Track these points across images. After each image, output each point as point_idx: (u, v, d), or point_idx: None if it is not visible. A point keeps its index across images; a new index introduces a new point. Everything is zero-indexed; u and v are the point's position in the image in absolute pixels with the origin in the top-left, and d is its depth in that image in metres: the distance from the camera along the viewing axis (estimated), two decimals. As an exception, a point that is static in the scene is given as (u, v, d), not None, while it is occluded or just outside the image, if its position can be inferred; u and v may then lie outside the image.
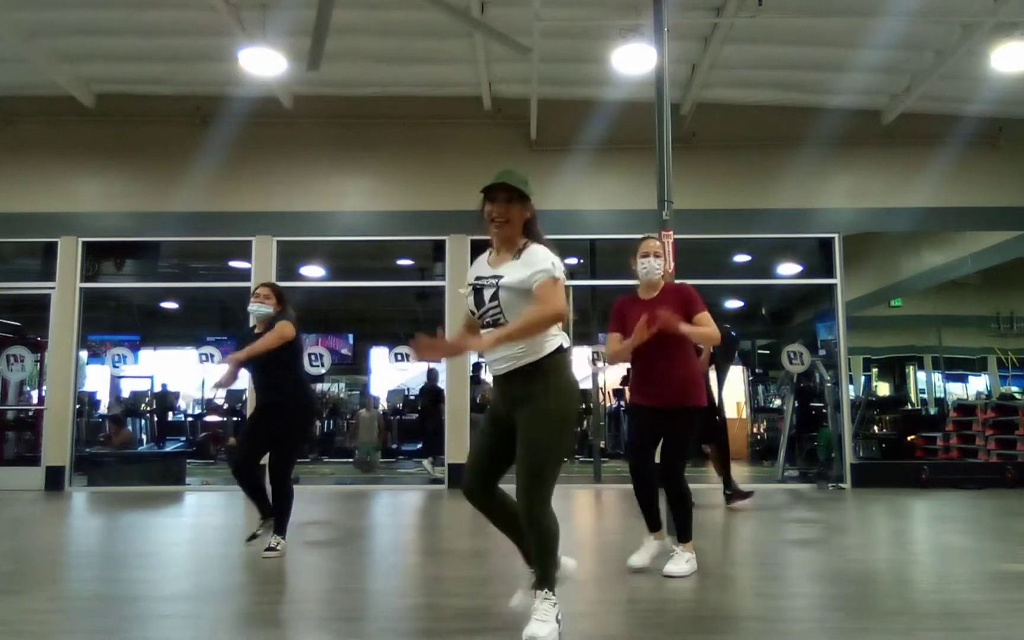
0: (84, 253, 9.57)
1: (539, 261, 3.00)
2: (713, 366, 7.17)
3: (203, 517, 7.24)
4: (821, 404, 10.52)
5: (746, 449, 13.09)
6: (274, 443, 4.80)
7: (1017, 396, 11.30)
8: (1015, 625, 3.24)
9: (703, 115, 9.39)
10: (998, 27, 7.51)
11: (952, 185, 9.49)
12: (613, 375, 11.17)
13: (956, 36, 8.02)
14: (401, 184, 9.59)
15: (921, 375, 13.49)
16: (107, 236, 9.71)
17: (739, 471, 7.34)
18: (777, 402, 13.30)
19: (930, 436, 10.85)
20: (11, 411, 10.34)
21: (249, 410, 6.78)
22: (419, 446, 12.34)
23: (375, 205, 9.56)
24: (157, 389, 14.46)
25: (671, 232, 5.64)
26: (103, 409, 12.70)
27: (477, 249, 3.29)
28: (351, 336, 14.88)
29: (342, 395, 15.50)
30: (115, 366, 11.24)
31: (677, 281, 4.89)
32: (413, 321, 12.52)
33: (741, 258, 10.75)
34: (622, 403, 12.24)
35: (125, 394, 14.03)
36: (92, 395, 12.50)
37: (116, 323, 13.41)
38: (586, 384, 10.87)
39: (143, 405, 14.06)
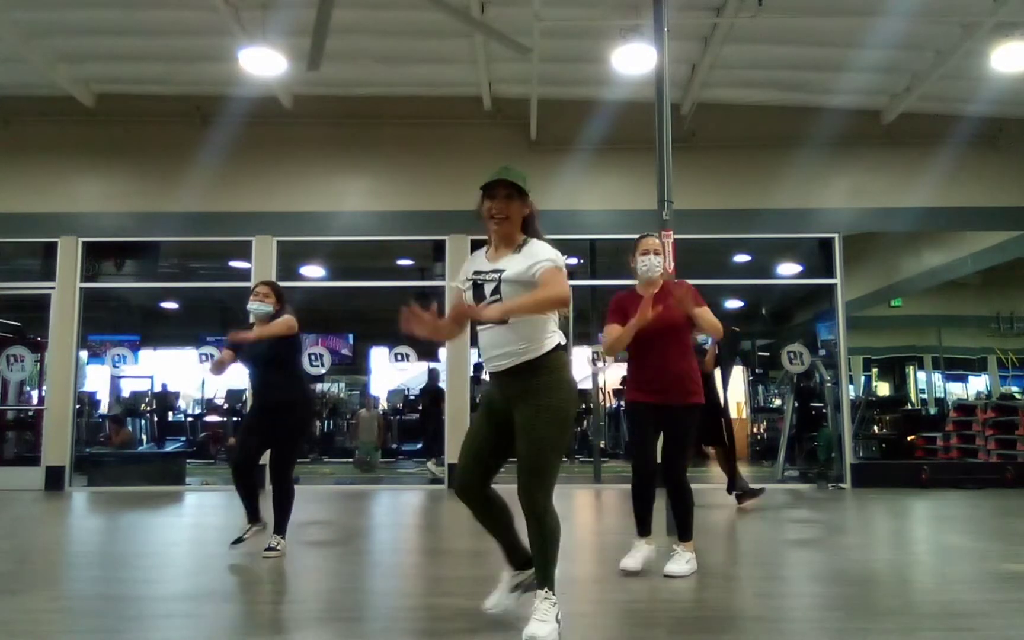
0: (84, 253, 9.57)
1: (541, 253, 3.02)
2: (718, 366, 7.17)
3: (203, 517, 7.24)
4: (821, 404, 10.52)
5: (746, 449, 13.09)
6: (275, 442, 4.80)
7: (1017, 396, 11.30)
8: (1015, 625, 3.24)
9: (703, 115, 9.39)
10: (998, 27, 7.51)
11: (952, 185, 9.49)
12: (613, 375, 11.16)
13: (956, 36, 8.02)
14: (401, 184, 9.59)
15: (921, 375, 13.49)
16: (107, 236, 9.72)
17: (740, 471, 7.32)
18: (777, 402, 13.30)
19: (930, 436, 10.86)
20: (11, 411, 10.34)
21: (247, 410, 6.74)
22: (419, 446, 12.35)
23: (375, 205, 9.56)
24: (157, 389, 14.46)
25: (671, 232, 5.64)
26: (103, 409, 12.69)
27: (478, 249, 3.27)
28: (351, 336, 14.87)
29: (342, 395, 15.51)
30: (115, 366, 11.23)
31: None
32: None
33: (741, 258, 10.75)
34: (622, 403, 12.24)
35: (125, 394, 14.02)
36: (92, 395, 12.49)
37: (116, 323, 13.40)
38: (586, 384, 10.87)
39: (143, 405, 14.06)
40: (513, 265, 3.02)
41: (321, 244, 9.94)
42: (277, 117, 9.54)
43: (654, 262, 4.20)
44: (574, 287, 10.23)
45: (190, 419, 14.40)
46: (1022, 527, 6.41)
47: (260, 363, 4.82)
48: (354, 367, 15.61)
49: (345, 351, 14.83)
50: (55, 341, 9.45)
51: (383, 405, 14.27)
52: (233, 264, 10.45)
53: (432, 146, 9.53)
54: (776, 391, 13.72)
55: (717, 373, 7.24)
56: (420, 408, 12.05)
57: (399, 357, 10.12)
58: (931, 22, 7.83)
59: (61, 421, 9.29)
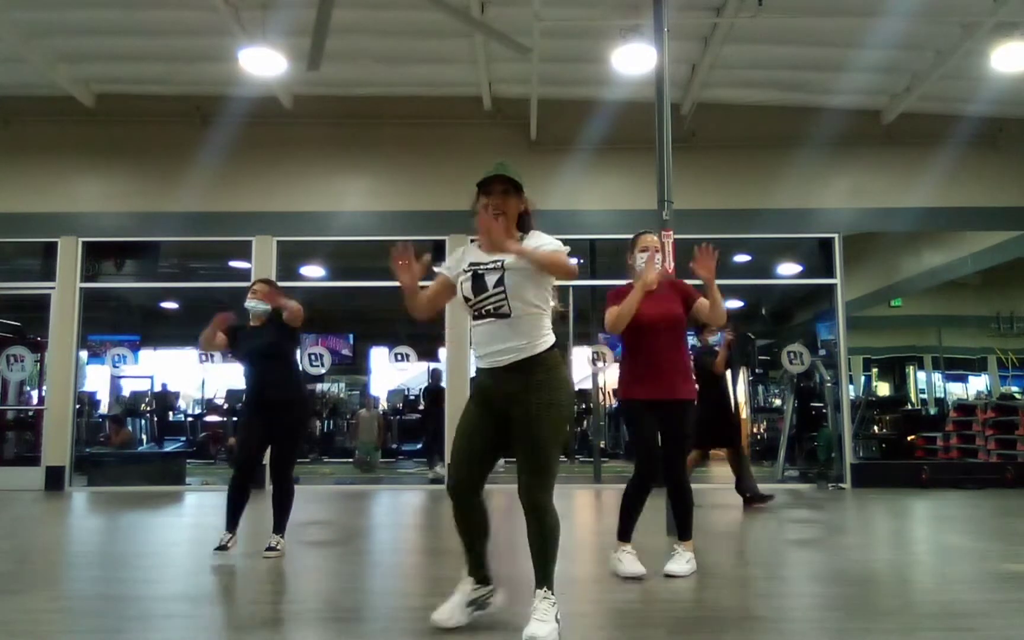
0: (84, 253, 9.57)
1: (543, 238, 3.04)
2: (728, 368, 7.16)
3: (203, 517, 7.23)
4: (821, 404, 10.52)
5: (747, 449, 13.07)
6: (275, 441, 4.78)
7: (1017, 396, 11.30)
8: (1015, 625, 3.24)
9: (703, 115, 9.39)
10: (998, 27, 7.51)
11: (952, 185, 9.50)
12: (613, 375, 11.16)
13: (956, 36, 8.02)
14: (401, 184, 9.59)
15: (921, 375, 13.49)
16: (107, 236, 9.72)
17: (752, 472, 7.32)
18: (777, 402, 13.30)
19: (930, 436, 10.86)
20: (11, 411, 10.34)
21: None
22: (419, 446, 12.35)
23: (375, 205, 9.56)
24: (157, 389, 14.47)
25: (671, 232, 5.63)
26: (103, 409, 12.70)
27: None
28: (351, 336, 14.87)
29: (342, 395, 15.51)
30: (115, 366, 11.24)
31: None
32: (413, 321, 12.51)
33: (741, 258, 10.75)
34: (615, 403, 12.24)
35: (125, 394, 14.03)
36: (92, 395, 12.49)
37: (116, 323, 13.40)
38: (586, 384, 10.87)
39: (143, 405, 14.06)
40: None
41: (321, 244, 9.94)
42: (277, 117, 9.54)
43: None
44: (574, 287, 10.21)
45: (190, 419, 14.40)
46: (1022, 527, 6.41)
47: (258, 359, 4.77)
48: (354, 367, 15.61)
49: (345, 351, 14.83)
50: (55, 341, 9.45)
51: (383, 405, 14.27)
52: (233, 264, 10.44)
53: (432, 146, 9.53)
54: (778, 381, 13.71)
55: (727, 375, 7.25)
56: (422, 408, 12.04)
57: (399, 357, 10.12)
58: (931, 22, 7.83)
59: (61, 421, 9.29)
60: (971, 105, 9.18)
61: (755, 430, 13.66)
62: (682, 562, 4.09)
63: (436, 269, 3.22)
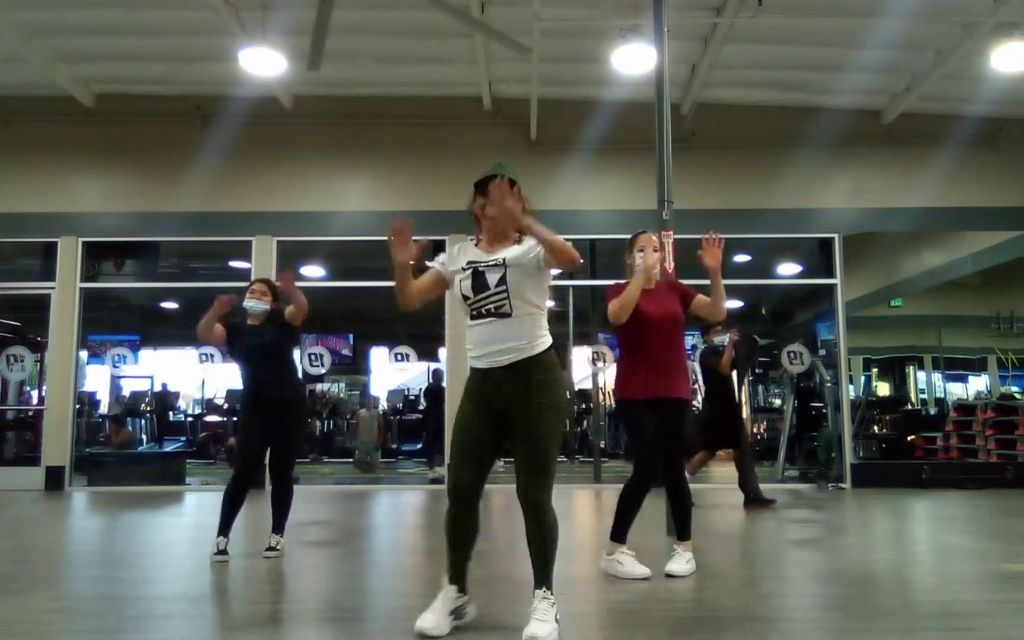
0: (84, 253, 9.57)
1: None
2: (734, 369, 7.14)
3: (203, 517, 7.22)
4: (821, 404, 10.53)
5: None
6: (275, 441, 4.76)
7: (1017, 396, 11.30)
8: (1015, 625, 3.24)
9: (703, 115, 9.39)
10: (998, 27, 7.51)
11: (952, 185, 9.50)
12: (613, 375, 11.17)
13: (956, 36, 8.02)
14: (401, 184, 9.59)
15: (921, 375, 13.50)
16: (107, 236, 9.72)
17: (757, 475, 7.31)
18: (777, 402, 13.30)
19: (930, 436, 10.86)
20: (11, 411, 10.34)
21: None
22: (419, 446, 12.35)
23: (375, 205, 9.55)
24: (157, 389, 14.47)
25: (671, 232, 5.63)
26: (103, 409, 12.70)
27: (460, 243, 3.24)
28: (351, 336, 14.88)
29: (342, 395, 15.51)
30: (115, 366, 11.25)
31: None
32: (413, 321, 12.51)
33: (741, 258, 10.75)
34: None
35: (125, 394, 14.03)
36: (92, 395, 12.50)
37: (116, 323, 13.41)
38: (586, 384, 10.87)
39: (143, 405, 14.07)
40: (514, 251, 3.02)
41: (321, 244, 9.94)
42: (277, 117, 9.54)
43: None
44: (574, 287, 10.16)
45: (190, 419, 14.41)
46: (1022, 527, 6.41)
47: (258, 356, 4.74)
48: (354, 367, 15.62)
49: (345, 351, 14.84)
50: (55, 341, 9.45)
51: (383, 405, 14.27)
52: (233, 264, 10.45)
53: (432, 146, 9.53)
54: (778, 379, 13.72)
55: (732, 375, 7.23)
56: (424, 409, 12.04)
57: (399, 357, 10.12)
58: (931, 22, 7.83)
59: (61, 421, 9.29)
60: (971, 105, 9.18)
61: (755, 430, 13.66)
62: (682, 562, 4.09)
63: (429, 263, 3.19)
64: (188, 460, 10.56)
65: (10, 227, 9.55)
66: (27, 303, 10.26)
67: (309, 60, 7.01)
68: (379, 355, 15.10)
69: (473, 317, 3.02)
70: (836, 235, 9.58)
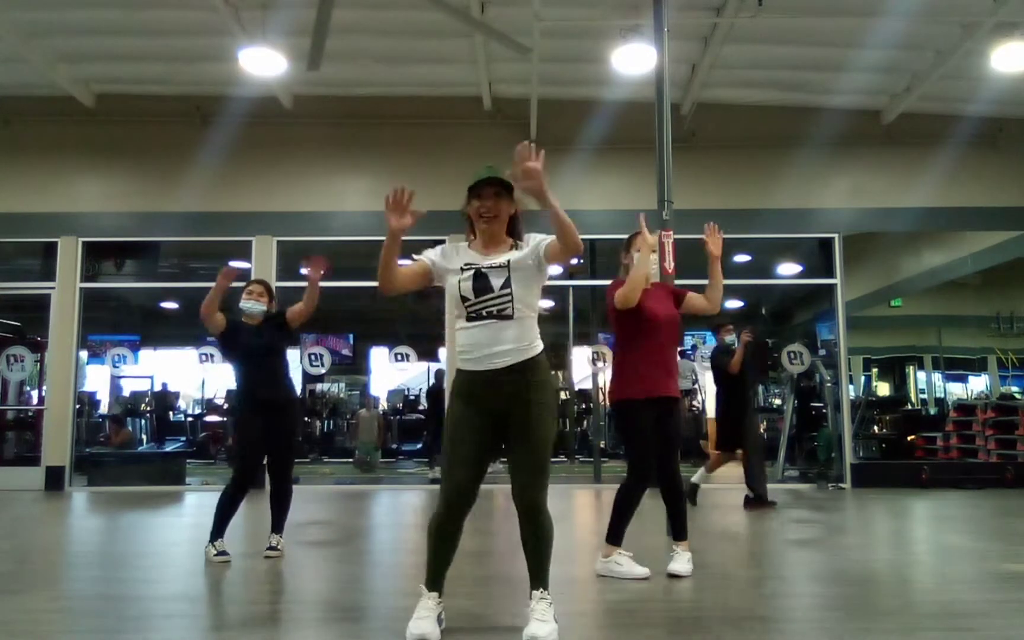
0: (84, 253, 9.57)
1: (542, 235, 3.05)
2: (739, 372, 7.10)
3: (203, 517, 7.21)
4: (821, 404, 10.53)
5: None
6: (277, 442, 4.74)
7: (1017, 396, 11.31)
8: (1015, 625, 3.24)
9: (703, 115, 9.39)
10: (998, 27, 7.51)
11: (952, 185, 9.50)
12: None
13: (956, 36, 8.02)
14: (401, 184, 9.56)
15: (921, 375, 13.50)
16: (107, 236, 9.72)
17: (739, 470, 7.31)
18: (777, 402, 13.31)
19: (930, 436, 10.87)
20: (11, 411, 10.34)
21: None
22: (419, 446, 12.35)
23: (375, 205, 9.41)
24: (157, 389, 14.47)
25: (671, 232, 5.63)
26: (103, 409, 12.70)
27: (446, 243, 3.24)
28: (351, 336, 14.88)
29: (342, 395, 15.51)
30: (115, 366, 11.24)
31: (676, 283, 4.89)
32: (413, 321, 12.52)
33: (741, 258, 10.75)
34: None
35: (125, 394, 14.04)
36: (92, 395, 12.50)
37: (116, 323, 13.42)
38: (586, 384, 10.86)
39: (143, 405, 14.07)
40: (516, 254, 3.02)
41: (321, 244, 9.92)
42: (277, 117, 9.54)
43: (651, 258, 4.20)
44: (574, 287, 10.15)
45: (190, 419, 14.41)
46: (1022, 527, 6.41)
47: (258, 356, 4.71)
48: (354, 367, 15.61)
49: (345, 351, 14.84)
50: (55, 341, 9.45)
51: (383, 405, 14.27)
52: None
53: (432, 146, 9.53)
54: (776, 391, 13.74)
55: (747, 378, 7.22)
56: (425, 410, 12.04)
57: (399, 357, 10.12)
58: (931, 22, 7.83)
59: (61, 421, 9.29)
60: (971, 105, 9.18)
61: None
62: (684, 561, 4.09)
63: (416, 256, 3.17)
64: (188, 460, 10.56)
65: (10, 227, 9.55)
66: (27, 303, 10.26)
67: (309, 60, 7.01)
68: (379, 355, 15.10)
69: (470, 318, 2.99)
70: (836, 235, 9.58)
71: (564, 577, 3.99)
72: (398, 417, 14.12)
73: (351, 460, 11.94)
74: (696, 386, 13.19)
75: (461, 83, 9.32)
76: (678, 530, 4.20)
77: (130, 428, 12.30)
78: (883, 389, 13.34)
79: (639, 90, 8.18)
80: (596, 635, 3.22)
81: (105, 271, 10.03)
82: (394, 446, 13.36)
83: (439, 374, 11.23)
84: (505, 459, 3.04)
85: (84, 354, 10.76)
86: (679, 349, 4.82)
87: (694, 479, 7.05)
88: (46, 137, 9.65)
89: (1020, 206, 9.58)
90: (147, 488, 9.00)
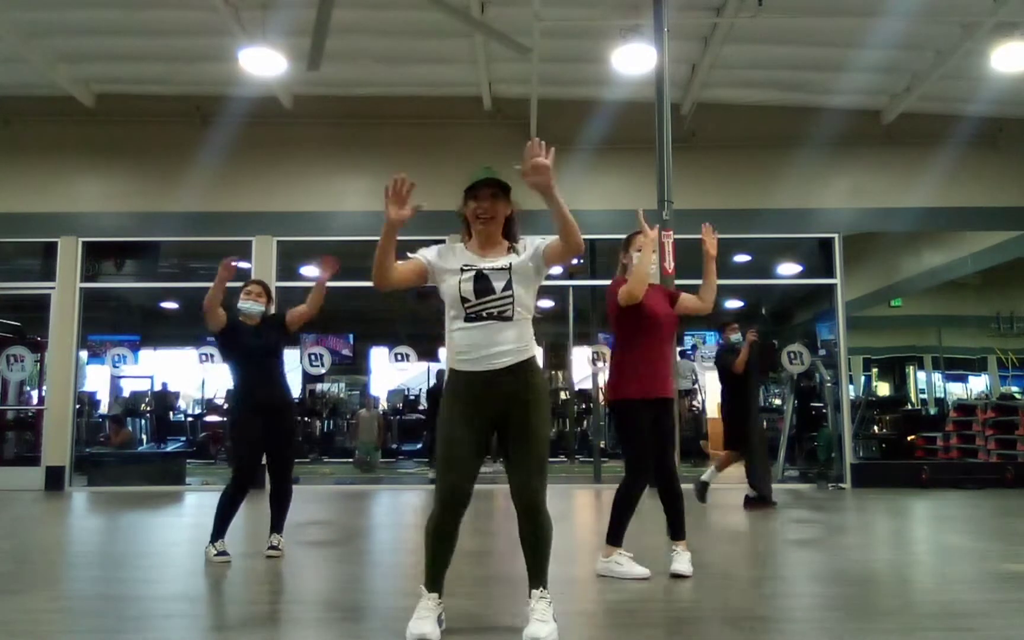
0: (84, 253, 9.57)
1: (535, 239, 3.08)
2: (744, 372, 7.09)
3: (203, 517, 7.21)
4: (821, 404, 10.53)
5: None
6: (279, 443, 4.74)
7: (1017, 396, 11.31)
8: (1015, 625, 3.24)
9: (703, 115, 9.39)
10: (998, 27, 7.52)
11: (952, 185, 9.50)
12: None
13: (956, 36, 8.02)
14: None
15: (921, 375, 13.50)
16: (107, 236, 9.73)
17: (740, 470, 7.31)
18: (777, 402, 13.31)
19: (930, 436, 10.86)
20: (11, 411, 10.34)
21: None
22: (419, 446, 12.34)
23: (375, 205, 9.39)
24: (157, 389, 14.47)
25: (671, 232, 5.64)
26: (103, 409, 12.70)
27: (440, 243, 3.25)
28: (351, 336, 14.87)
29: (342, 395, 15.50)
30: (115, 366, 11.24)
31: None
32: (413, 321, 12.52)
33: (741, 258, 10.75)
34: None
35: (125, 394, 14.03)
36: (92, 395, 12.50)
37: (116, 323, 13.41)
38: (586, 384, 10.85)
39: (143, 405, 14.07)
40: (516, 257, 3.05)
41: (321, 244, 9.91)
42: (277, 117, 9.54)
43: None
44: (574, 287, 10.16)
45: (190, 419, 14.41)
46: (1022, 527, 6.41)
47: (257, 356, 4.71)
48: (354, 367, 15.60)
49: (345, 351, 14.83)
50: (55, 341, 9.45)
51: (383, 405, 14.26)
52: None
53: (432, 146, 9.52)
54: (776, 391, 13.74)
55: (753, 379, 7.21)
56: (425, 408, 12.03)
57: (399, 357, 10.12)
58: (931, 22, 7.83)
59: (61, 421, 9.29)
60: (971, 105, 9.18)
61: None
62: (685, 561, 4.09)
63: (411, 254, 3.16)
64: (188, 460, 10.55)
65: (10, 227, 9.55)
66: (27, 303, 10.26)
67: (309, 60, 7.02)
68: (379, 355, 15.09)
69: (469, 319, 2.99)
70: (836, 235, 9.58)
71: (564, 577, 3.99)
72: (398, 417, 14.12)
73: (351, 460, 11.94)
74: (696, 386, 13.19)
75: (461, 83, 9.32)
76: (676, 530, 4.20)
77: (130, 428, 12.29)
78: (883, 389, 13.33)
79: (639, 90, 8.18)
80: (596, 635, 3.22)
81: (105, 271, 10.04)
82: (394, 446, 13.35)
83: (439, 374, 11.23)
84: (502, 459, 3.05)
85: (84, 354, 10.76)
86: (679, 349, 4.84)
87: (704, 477, 7.07)
88: (46, 137, 9.65)
89: (1020, 206, 9.58)
90: (147, 488, 9.00)
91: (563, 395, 13.01)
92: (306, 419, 13.87)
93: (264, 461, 4.79)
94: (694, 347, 13.31)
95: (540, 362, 3.18)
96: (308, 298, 4.87)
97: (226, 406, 13.57)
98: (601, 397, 11.21)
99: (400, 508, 7.98)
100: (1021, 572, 4.34)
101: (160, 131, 9.63)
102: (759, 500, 6.97)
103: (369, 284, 3.06)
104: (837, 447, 9.50)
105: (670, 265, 5.52)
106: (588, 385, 10.94)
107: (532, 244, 3.07)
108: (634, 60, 7.77)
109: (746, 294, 12.98)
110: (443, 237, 3.27)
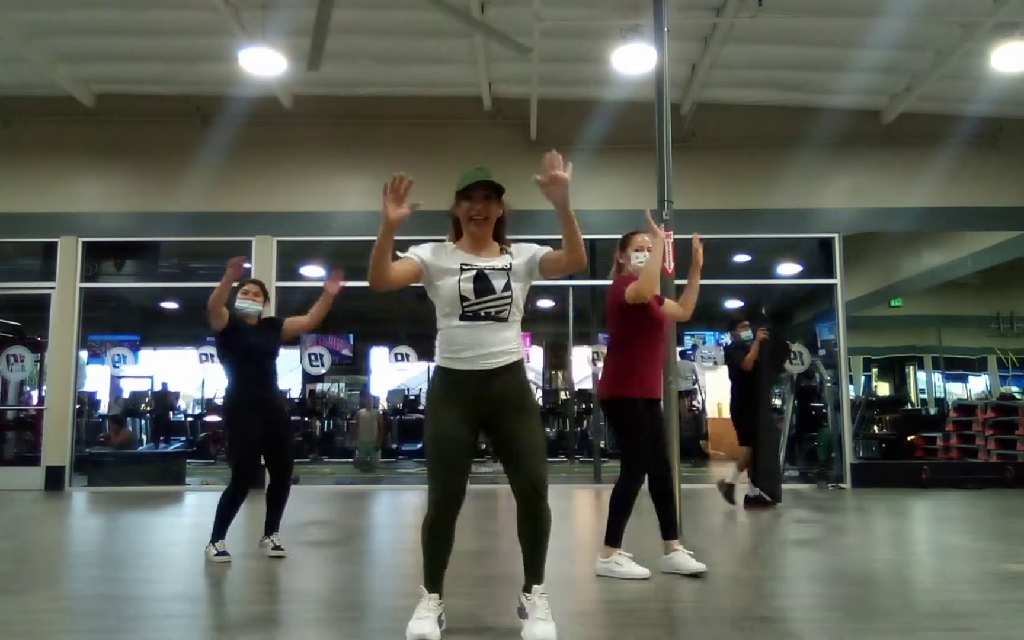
0: (84, 253, 9.57)
1: (531, 246, 3.12)
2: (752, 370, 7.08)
3: (203, 517, 7.21)
4: (821, 404, 10.53)
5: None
6: (280, 443, 4.75)
7: (1017, 396, 11.30)
8: (1015, 625, 3.24)
9: (703, 115, 9.39)
10: (998, 27, 7.51)
11: (952, 185, 9.50)
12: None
13: (956, 36, 8.02)
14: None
15: (921, 375, 13.50)
16: (107, 236, 9.72)
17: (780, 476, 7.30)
18: (777, 402, 13.32)
19: (930, 436, 10.87)
20: (11, 411, 10.34)
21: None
22: (419, 446, 12.34)
23: (375, 205, 9.35)
24: (157, 389, 14.47)
25: (671, 232, 5.63)
26: (103, 409, 12.70)
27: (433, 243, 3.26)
28: (351, 336, 14.88)
29: (342, 395, 15.51)
30: (115, 366, 11.25)
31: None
32: (413, 321, 12.51)
33: (741, 258, 10.75)
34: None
35: (125, 394, 14.03)
36: (92, 395, 12.50)
37: (116, 323, 13.41)
38: (586, 384, 10.85)
39: (143, 405, 14.06)
40: (514, 259, 3.08)
41: (321, 244, 9.94)
42: (277, 117, 9.54)
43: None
44: (574, 287, 10.15)
45: (190, 419, 14.41)
46: (1022, 527, 6.41)
47: (257, 356, 4.72)
48: (354, 367, 15.61)
49: (345, 351, 14.82)
50: (55, 341, 9.45)
51: (383, 405, 14.27)
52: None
53: (432, 146, 9.52)
54: (777, 391, 13.74)
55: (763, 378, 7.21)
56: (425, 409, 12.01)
57: (399, 357, 10.12)
58: (931, 22, 7.83)
59: (61, 421, 9.29)
60: (971, 105, 9.18)
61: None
62: (689, 559, 4.09)
63: (401, 254, 3.13)
64: (188, 460, 10.56)
65: (10, 227, 9.55)
66: (27, 303, 10.26)
67: (309, 60, 7.01)
68: (379, 355, 15.10)
69: (465, 318, 2.99)
70: (836, 235, 9.58)
71: (564, 577, 3.99)
72: (398, 417, 14.12)
73: (351, 460, 11.94)
74: (696, 386, 13.19)
75: (461, 83, 9.32)
76: (672, 528, 4.19)
77: (130, 428, 12.29)
78: (883, 389, 13.34)
79: (639, 90, 8.17)
80: (596, 635, 3.22)
81: (105, 271, 10.03)
82: (394, 446, 13.36)
83: (439, 374, 11.21)
84: (500, 457, 3.07)
85: (84, 354, 10.76)
86: (680, 349, 4.87)
87: (728, 479, 7.10)
88: (46, 137, 9.65)
89: (1020, 206, 9.57)
90: (147, 488, 9.00)
91: (563, 395, 13.02)
92: (306, 419, 13.87)
93: (263, 461, 4.80)
94: (694, 347, 13.31)
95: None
96: (311, 311, 4.88)
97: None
98: (601, 397, 11.22)
99: (400, 508, 7.98)
100: (1021, 572, 4.34)
101: (160, 131, 9.63)
102: (760, 500, 6.97)
103: (369, 284, 3.05)
104: (837, 447, 9.50)
105: (670, 265, 5.50)
106: (588, 385, 10.94)
107: (528, 250, 3.10)
108: (634, 60, 7.77)
109: (746, 294, 12.98)
110: (442, 237, 3.27)
